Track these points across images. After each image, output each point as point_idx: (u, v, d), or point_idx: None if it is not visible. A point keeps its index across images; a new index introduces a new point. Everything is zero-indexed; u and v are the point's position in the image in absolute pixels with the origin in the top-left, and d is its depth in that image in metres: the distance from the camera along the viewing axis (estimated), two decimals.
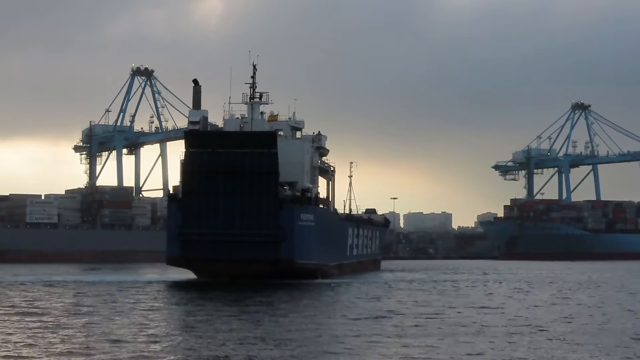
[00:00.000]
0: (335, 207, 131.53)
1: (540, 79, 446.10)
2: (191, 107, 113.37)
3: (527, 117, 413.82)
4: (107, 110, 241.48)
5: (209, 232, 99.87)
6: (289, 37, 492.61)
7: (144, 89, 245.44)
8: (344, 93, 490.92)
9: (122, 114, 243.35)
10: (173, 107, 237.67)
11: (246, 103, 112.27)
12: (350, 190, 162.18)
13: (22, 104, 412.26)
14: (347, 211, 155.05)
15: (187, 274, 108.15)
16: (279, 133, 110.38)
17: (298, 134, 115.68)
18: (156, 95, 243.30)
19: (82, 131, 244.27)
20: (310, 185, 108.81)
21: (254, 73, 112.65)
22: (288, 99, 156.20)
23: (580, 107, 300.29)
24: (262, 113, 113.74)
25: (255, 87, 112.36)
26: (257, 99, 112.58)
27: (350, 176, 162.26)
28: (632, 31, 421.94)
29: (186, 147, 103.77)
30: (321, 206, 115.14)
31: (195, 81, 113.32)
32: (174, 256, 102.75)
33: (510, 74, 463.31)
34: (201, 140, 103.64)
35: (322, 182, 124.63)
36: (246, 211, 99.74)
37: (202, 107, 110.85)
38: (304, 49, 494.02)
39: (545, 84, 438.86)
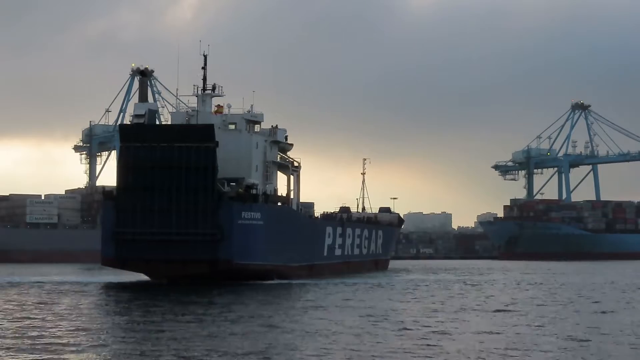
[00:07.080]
0: (301, 204, 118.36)
1: (536, 78, 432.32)
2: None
3: (527, 117, 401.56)
4: (107, 110, 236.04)
5: (144, 231, 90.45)
6: (278, 36, 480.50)
7: None
8: (338, 93, 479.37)
9: (122, 114, 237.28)
10: (173, 107, 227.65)
11: (196, 95, 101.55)
12: (363, 188, 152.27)
13: (16, 104, 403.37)
14: (360, 209, 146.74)
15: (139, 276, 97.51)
16: (235, 126, 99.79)
17: (257, 128, 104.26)
18: (156, 95, 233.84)
19: (82, 131, 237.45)
20: (256, 182, 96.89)
21: (205, 64, 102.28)
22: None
23: (580, 107, 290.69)
24: (218, 106, 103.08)
25: (206, 79, 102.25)
26: (209, 91, 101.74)
27: (363, 173, 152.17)
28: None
29: (121, 141, 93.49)
30: (279, 204, 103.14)
31: (142, 72, 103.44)
32: (108, 257, 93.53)
33: (508, 72, 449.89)
34: (136, 134, 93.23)
35: (282, 178, 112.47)
36: (182, 209, 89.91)
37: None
38: (295, 48, 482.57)
39: (542, 83, 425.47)
